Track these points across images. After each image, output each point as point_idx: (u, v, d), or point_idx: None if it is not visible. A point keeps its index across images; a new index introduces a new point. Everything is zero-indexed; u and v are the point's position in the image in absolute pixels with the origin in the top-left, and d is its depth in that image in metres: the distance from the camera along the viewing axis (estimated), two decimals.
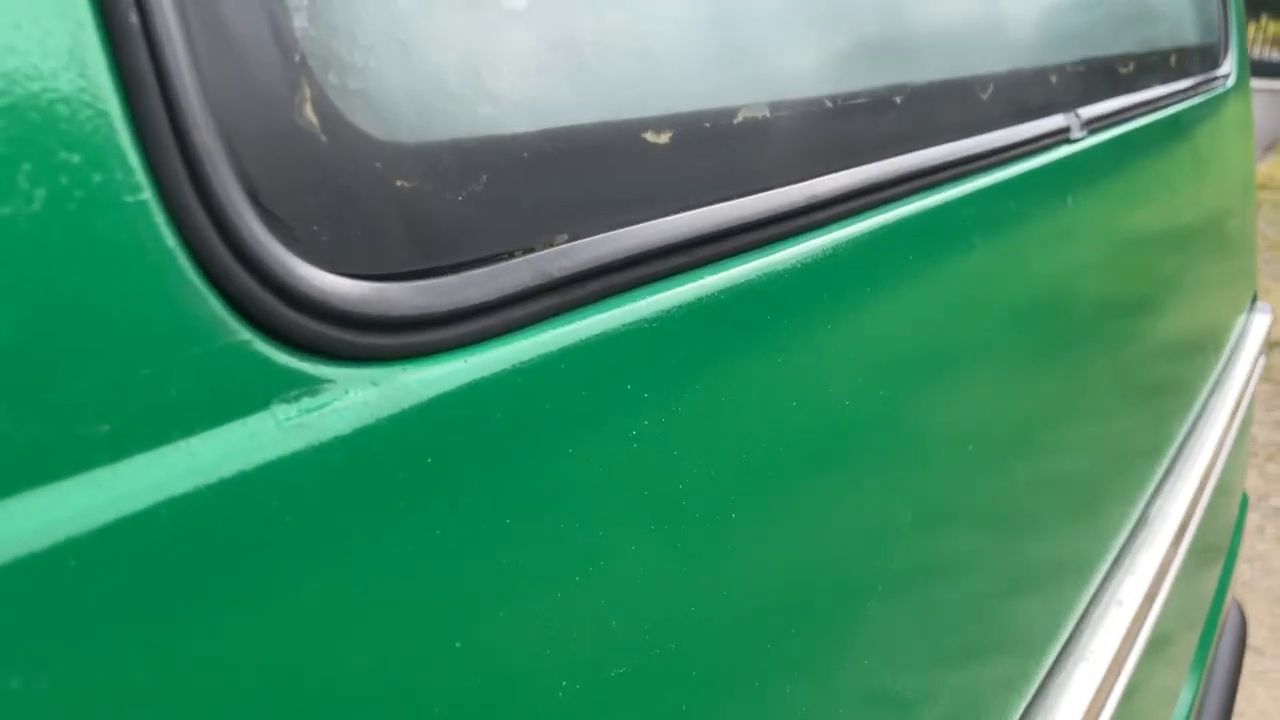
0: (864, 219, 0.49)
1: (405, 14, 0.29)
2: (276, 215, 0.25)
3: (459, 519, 0.28)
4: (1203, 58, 1.27)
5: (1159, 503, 1.01)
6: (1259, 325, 1.57)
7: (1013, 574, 0.70)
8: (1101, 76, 0.85)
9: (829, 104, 0.47)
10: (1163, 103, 1.02)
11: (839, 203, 0.47)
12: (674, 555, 0.36)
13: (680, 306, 0.37)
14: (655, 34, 0.38)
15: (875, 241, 0.50)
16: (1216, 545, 1.48)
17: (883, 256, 0.51)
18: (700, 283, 0.38)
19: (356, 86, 0.27)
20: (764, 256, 0.41)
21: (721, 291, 0.39)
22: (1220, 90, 1.31)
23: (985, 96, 0.63)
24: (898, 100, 0.53)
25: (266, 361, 0.24)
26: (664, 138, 0.38)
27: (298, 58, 0.26)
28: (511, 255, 0.31)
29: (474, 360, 0.29)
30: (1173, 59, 1.12)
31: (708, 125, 0.40)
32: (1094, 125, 0.80)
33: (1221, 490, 1.31)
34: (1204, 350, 1.29)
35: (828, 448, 0.46)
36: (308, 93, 0.26)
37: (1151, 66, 1.02)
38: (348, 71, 0.27)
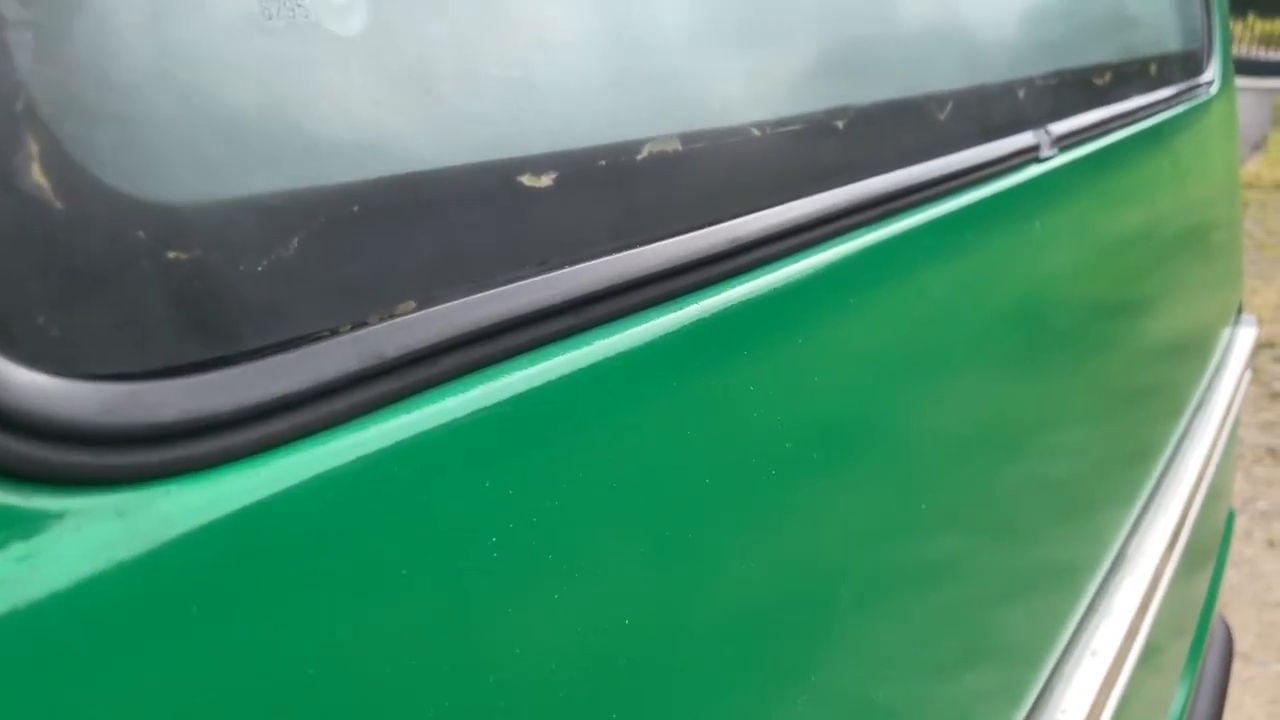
0: (800, 258, 0.44)
1: (180, 35, 0.23)
2: None
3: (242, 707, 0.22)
4: (1184, 65, 1.22)
5: (1151, 511, 1.01)
6: (1244, 339, 1.53)
7: (1009, 583, 0.68)
8: (1073, 89, 0.80)
9: (756, 133, 0.42)
10: (1141, 115, 0.97)
11: (768, 243, 0.42)
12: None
13: (564, 378, 0.31)
14: (533, 53, 0.32)
15: (816, 282, 0.44)
16: (1207, 550, 1.47)
17: (826, 297, 0.46)
18: (590, 348, 0.33)
19: (109, 135, 0.22)
20: (672, 311, 0.36)
21: (621, 355, 0.34)
22: (1203, 99, 1.26)
23: (943, 116, 0.57)
24: (839, 125, 0.47)
25: None
26: (545, 180, 0.32)
27: (19, 105, 0.20)
28: (333, 334, 0.26)
29: (265, 471, 0.23)
30: (1151, 68, 1.07)
31: (603, 164, 0.34)
32: (1066, 142, 0.75)
33: (1213, 495, 1.30)
34: (1191, 363, 1.25)
35: (812, 484, 0.41)
36: (34, 149, 0.20)
37: (1128, 76, 0.97)
38: (97, 116, 0.22)
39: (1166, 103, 1.09)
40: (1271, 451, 3.33)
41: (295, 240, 0.25)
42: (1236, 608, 2.51)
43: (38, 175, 0.20)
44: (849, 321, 0.48)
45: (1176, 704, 1.36)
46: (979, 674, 0.64)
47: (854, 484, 0.49)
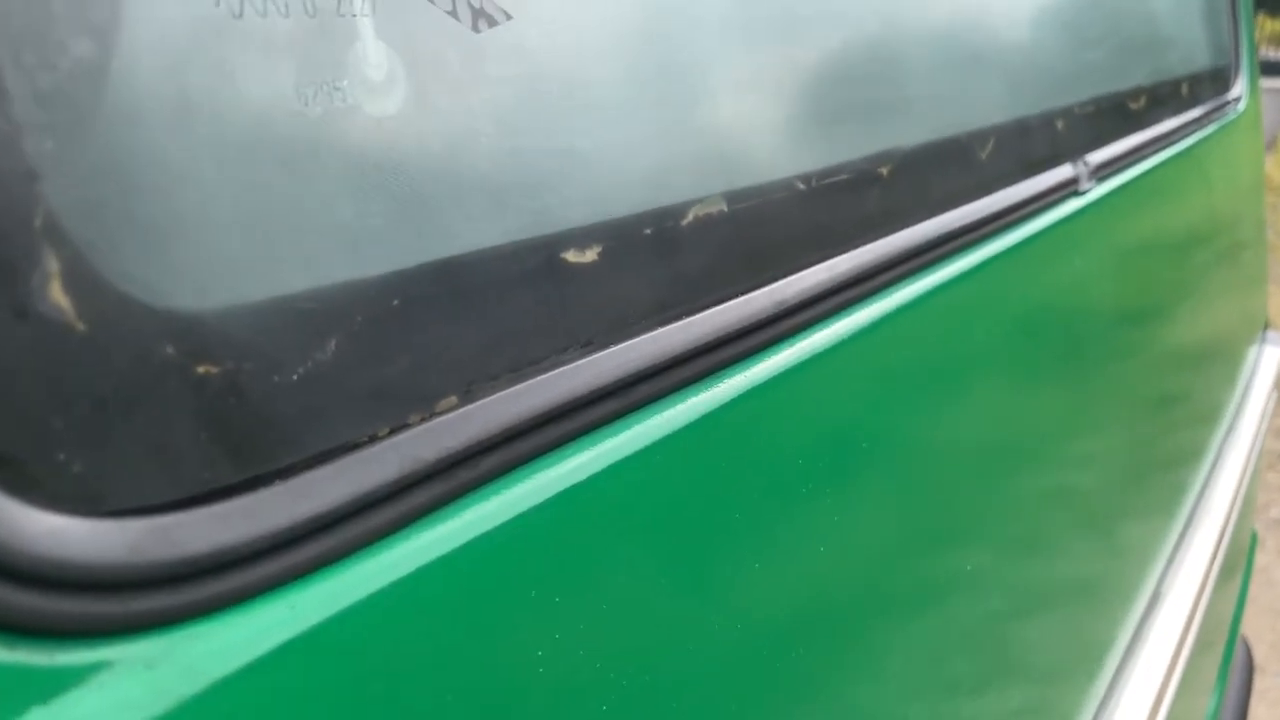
0: (850, 313, 0.42)
1: (208, 128, 0.21)
2: None
3: None
4: (1213, 82, 1.20)
5: (1191, 529, 1.01)
6: (1270, 358, 1.50)
7: (1058, 602, 0.68)
8: (1108, 116, 0.78)
9: (801, 186, 0.40)
10: (1174, 138, 0.95)
11: (819, 301, 0.40)
12: None
13: (615, 466, 0.29)
14: (570, 125, 0.31)
15: (869, 336, 0.42)
16: (1235, 565, 1.46)
17: (877, 350, 0.44)
18: (639, 429, 0.31)
19: (134, 243, 0.20)
20: (723, 382, 0.34)
21: (681, 433, 0.32)
22: (1232, 116, 1.24)
23: (984, 155, 0.55)
24: (883, 173, 0.46)
25: None
26: (590, 255, 0.30)
27: (38, 219, 0.19)
28: (373, 440, 0.24)
29: (305, 602, 0.21)
30: (1183, 88, 1.05)
31: (648, 232, 0.33)
32: (1103, 172, 0.72)
33: (1244, 512, 1.30)
34: (1224, 383, 1.23)
35: (868, 511, 0.39)
36: (53, 266, 0.19)
37: (1161, 99, 0.94)
38: (120, 223, 0.20)
39: (1197, 123, 1.06)
40: None
41: (332, 343, 0.23)
42: (1250, 617, 2.47)
43: (57, 296, 0.19)
44: (898, 374, 0.46)
45: (1209, 713, 1.35)
46: (1026, 693, 0.63)
47: (914, 512, 0.47)
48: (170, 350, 0.20)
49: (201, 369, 0.21)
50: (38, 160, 0.19)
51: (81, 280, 0.19)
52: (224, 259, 0.21)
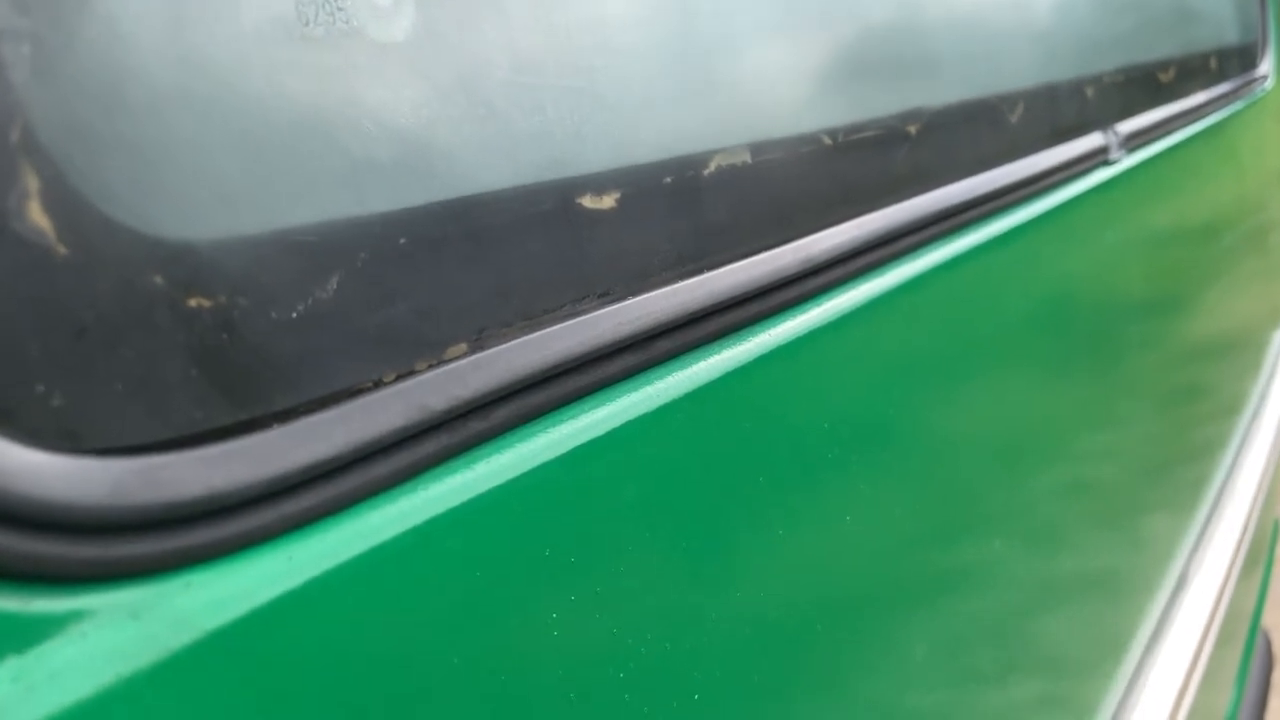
0: (877, 275, 0.40)
1: (202, 44, 0.20)
2: None
3: None
4: (1241, 59, 1.17)
5: (1215, 518, 1.00)
6: None
7: (1076, 598, 0.66)
8: (1138, 87, 0.76)
9: (828, 140, 0.39)
10: (1203, 111, 0.92)
11: (846, 261, 0.38)
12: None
13: (630, 424, 0.28)
14: (591, 64, 0.29)
15: (890, 302, 0.41)
16: (1257, 557, 1.44)
17: (902, 318, 0.42)
18: (656, 387, 0.29)
19: (120, 163, 0.19)
20: (745, 341, 0.33)
21: (701, 390, 0.30)
22: (1259, 94, 1.21)
23: (1014, 118, 0.54)
24: (911, 131, 0.44)
25: None
26: (607, 201, 0.29)
27: (15, 133, 0.17)
28: (377, 386, 0.22)
29: (304, 553, 0.20)
30: (1211, 62, 1.02)
31: (668, 181, 0.31)
32: (1133, 142, 0.70)
33: (1268, 502, 1.28)
34: (1250, 366, 1.21)
35: (886, 492, 0.38)
36: (33, 184, 0.17)
37: (1190, 72, 0.92)
38: (106, 142, 0.18)
39: (1225, 99, 1.04)
40: None
41: (334, 280, 0.22)
42: (1269, 609, 2.44)
43: (36, 215, 0.17)
44: (920, 339, 0.44)
45: (1229, 708, 1.34)
46: (1048, 685, 0.61)
47: (934, 491, 0.45)
48: (159, 280, 0.19)
49: (193, 301, 0.19)
50: (15, 68, 0.17)
51: (63, 200, 0.18)
52: (216, 185, 0.20)
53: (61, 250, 0.18)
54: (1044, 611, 0.60)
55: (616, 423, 0.27)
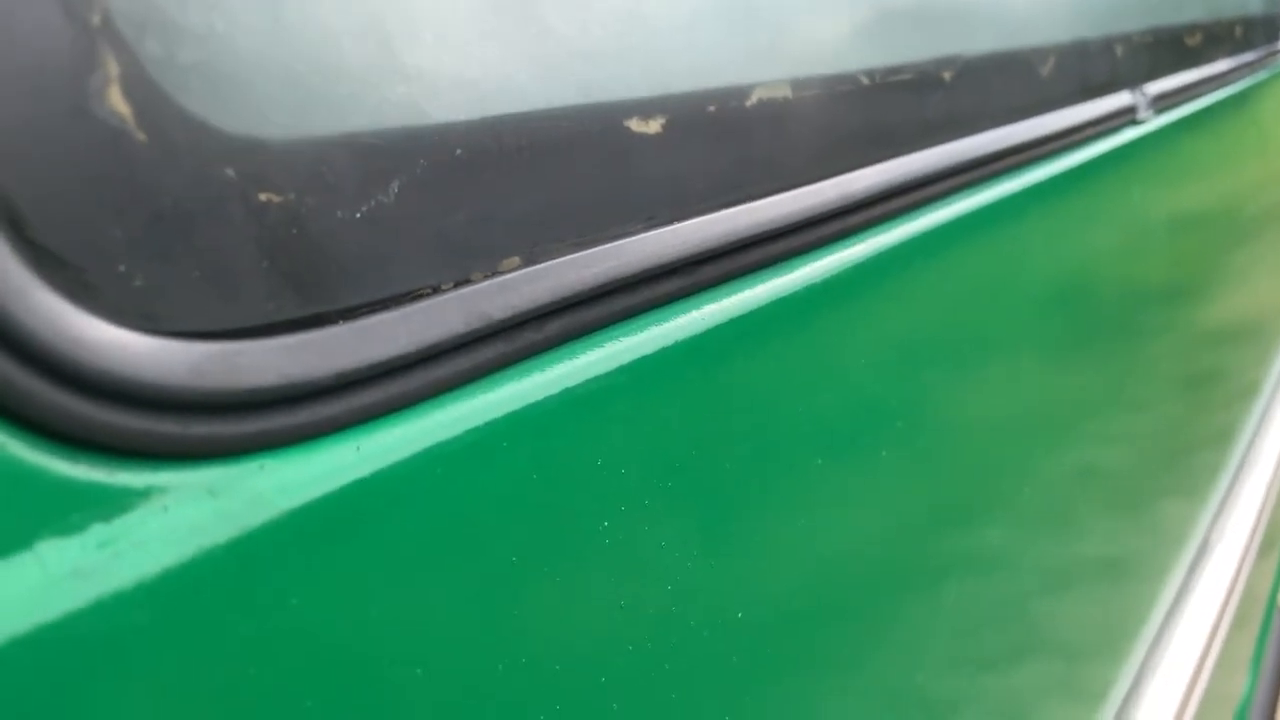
0: (904, 222, 0.40)
1: None
2: (52, 251, 0.17)
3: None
4: (1265, 29, 1.16)
5: (1233, 498, 1.00)
6: None
7: (1090, 581, 0.66)
8: (1167, 49, 0.76)
9: (865, 80, 0.39)
10: (1229, 78, 0.92)
11: (874, 204, 0.38)
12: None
13: (677, 345, 0.28)
14: None
15: (918, 248, 0.41)
16: (1273, 539, 1.44)
17: (930, 264, 0.42)
18: (701, 312, 0.30)
19: (195, 58, 0.19)
20: (781, 275, 0.33)
21: (730, 322, 0.31)
22: None
23: (1045, 72, 0.54)
24: (946, 77, 0.44)
25: (28, 475, 0.16)
26: (654, 126, 0.29)
27: (96, 18, 0.17)
28: (435, 291, 0.23)
29: (371, 445, 0.20)
30: (1237, 30, 1.01)
31: (712, 109, 0.31)
32: (1161, 104, 0.70)
33: None
34: (1269, 343, 1.20)
35: (884, 463, 0.38)
36: (113, 70, 0.18)
37: (1217, 38, 0.92)
38: (181, 36, 0.19)
39: (1250, 67, 1.03)
40: None
41: (395, 185, 0.22)
42: None
43: (116, 101, 0.18)
44: (947, 287, 0.45)
45: (1244, 693, 1.33)
46: (1061, 668, 0.61)
47: (949, 462, 0.45)
48: (231, 173, 0.19)
49: (264, 196, 0.20)
50: None
51: (142, 89, 0.18)
52: (286, 86, 0.20)
53: (140, 137, 0.18)
54: (1058, 595, 0.61)
55: (663, 343, 0.28)
